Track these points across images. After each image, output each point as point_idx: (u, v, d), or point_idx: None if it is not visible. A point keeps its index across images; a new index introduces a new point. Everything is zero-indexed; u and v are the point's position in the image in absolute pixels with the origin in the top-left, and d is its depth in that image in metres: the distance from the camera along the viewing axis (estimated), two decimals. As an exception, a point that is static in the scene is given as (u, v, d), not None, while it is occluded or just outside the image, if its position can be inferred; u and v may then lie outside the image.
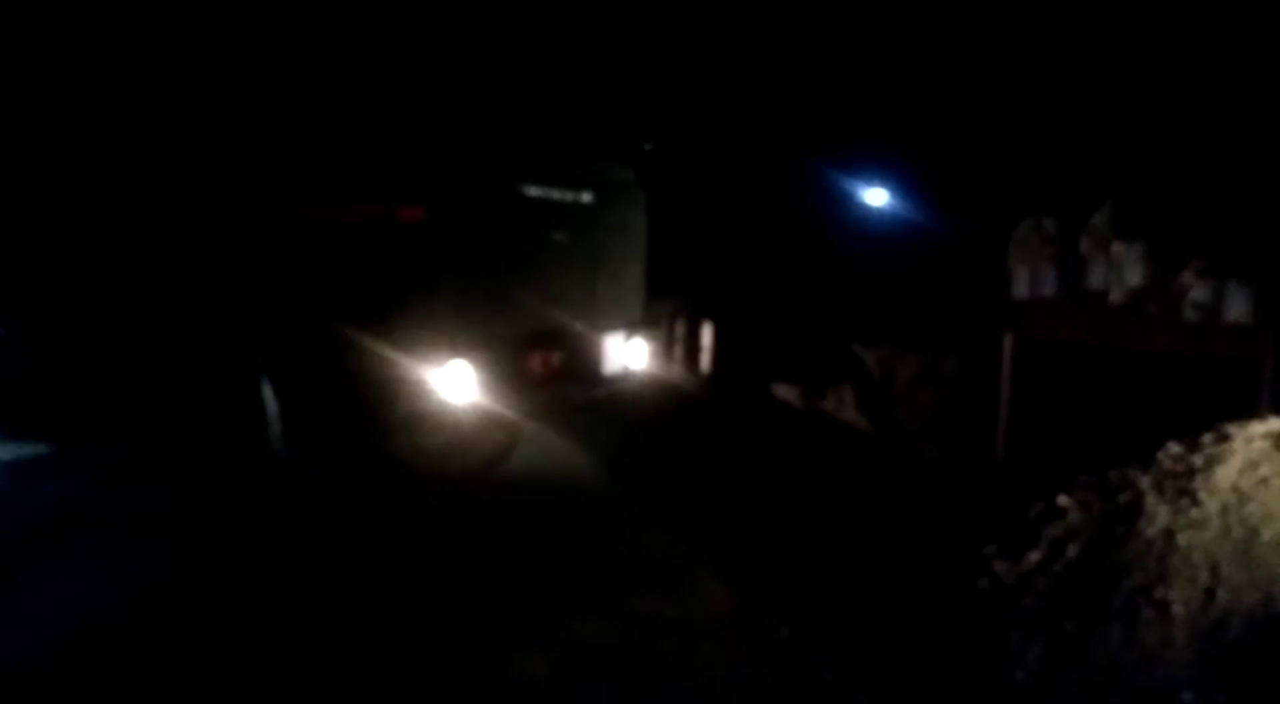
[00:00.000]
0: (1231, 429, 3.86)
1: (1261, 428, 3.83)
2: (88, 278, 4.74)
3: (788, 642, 3.89)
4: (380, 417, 4.16)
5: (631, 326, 5.67)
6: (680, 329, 9.90)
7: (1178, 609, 3.21)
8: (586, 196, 5.08)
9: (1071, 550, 3.65)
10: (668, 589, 4.47)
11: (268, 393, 4.24)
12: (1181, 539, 3.42)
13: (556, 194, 4.87)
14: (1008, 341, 6.90)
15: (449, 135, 4.22)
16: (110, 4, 4.58)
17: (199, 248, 4.51)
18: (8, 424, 5.01)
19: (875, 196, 10.79)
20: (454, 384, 4.17)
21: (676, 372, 9.79)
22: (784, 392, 8.70)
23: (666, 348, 9.90)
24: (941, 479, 6.64)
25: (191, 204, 4.39)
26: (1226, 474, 3.60)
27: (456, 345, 4.19)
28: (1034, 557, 3.72)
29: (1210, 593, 3.22)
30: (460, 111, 4.34)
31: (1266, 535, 3.34)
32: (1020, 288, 6.84)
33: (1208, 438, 3.86)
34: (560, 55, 5.38)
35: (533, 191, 4.70)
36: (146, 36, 4.55)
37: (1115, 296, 6.10)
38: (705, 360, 9.64)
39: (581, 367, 5.25)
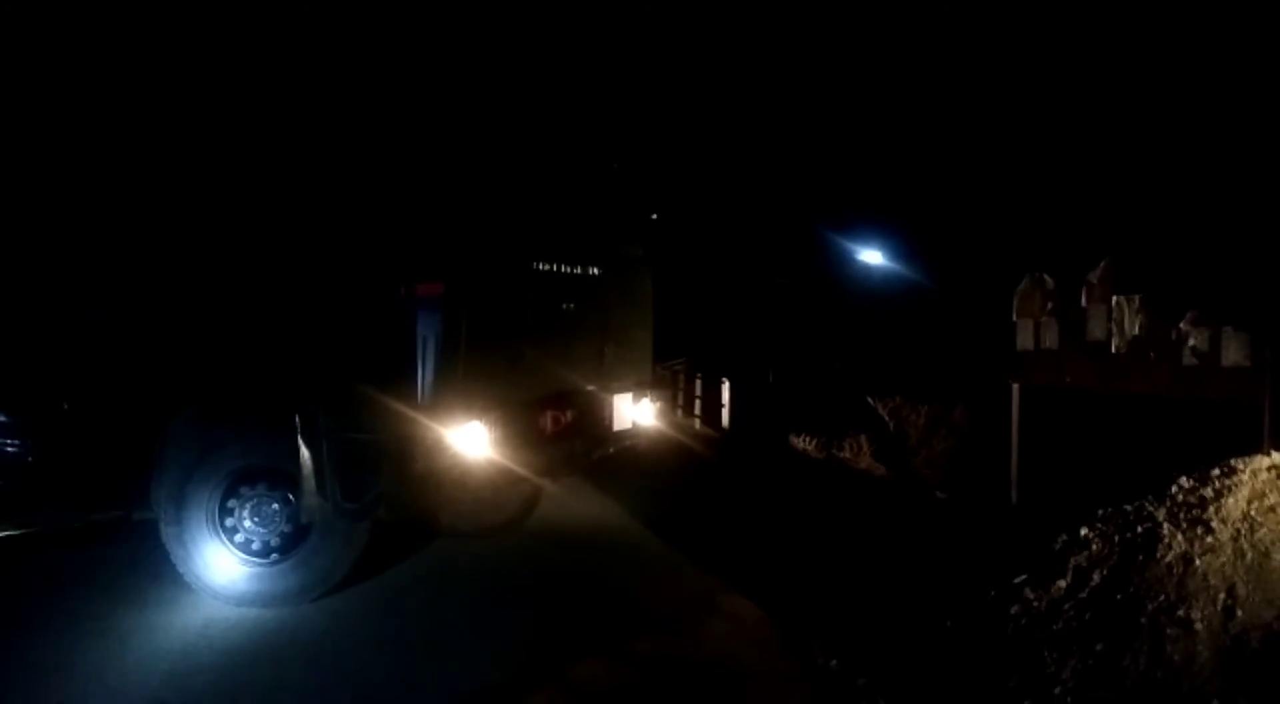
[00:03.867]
0: (1238, 463, 4.19)
1: (1266, 462, 4.16)
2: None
3: (836, 670, 4.15)
4: (405, 473, 4.50)
5: (640, 386, 6.08)
6: (699, 386, 10.28)
7: (1200, 627, 3.48)
8: (595, 270, 5.55)
9: (1096, 577, 3.94)
10: (712, 622, 4.74)
11: (303, 450, 4.58)
12: (1199, 564, 3.71)
13: (566, 269, 5.35)
14: (1015, 391, 7.24)
15: (466, 218, 4.70)
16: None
17: (259, 319, 4.88)
18: None
19: (884, 257, 11.25)
20: (471, 443, 4.54)
21: (694, 426, 10.12)
22: (802, 443, 9.01)
23: (686, 404, 10.27)
24: (959, 522, 6.92)
25: (260, 277, 4.79)
26: (1236, 504, 3.92)
27: (473, 407, 4.57)
28: (1061, 584, 4.01)
29: (1229, 611, 3.51)
30: (476, 196, 4.82)
31: (1277, 558, 3.64)
32: (1025, 339, 7.21)
33: (1216, 471, 4.18)
34: (572, 139, 5.87)
35: (544, 267, 5.19)
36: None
37: (1116, 345, 6.46)
38: (724, 415, 9.99)
39: (592, 424, 5.64)
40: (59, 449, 5.20)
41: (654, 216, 6.59)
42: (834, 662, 4.26)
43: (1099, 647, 3.63)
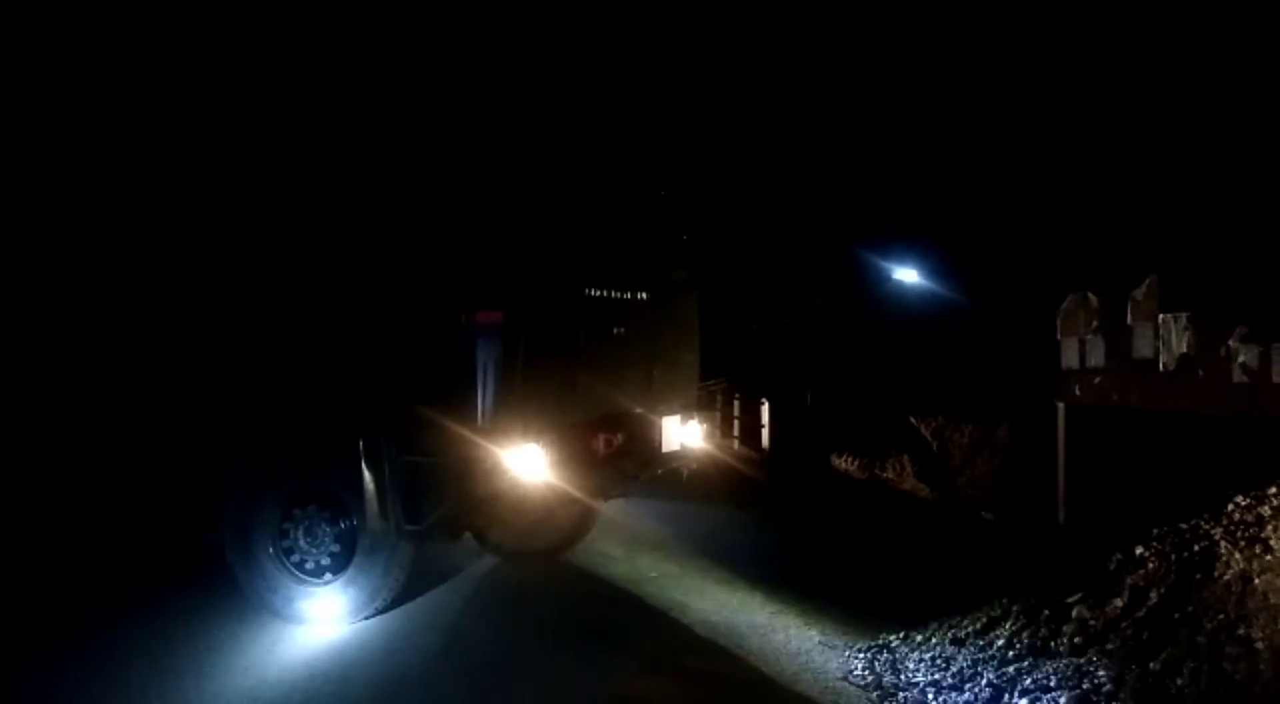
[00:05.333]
0: (1293, 481, 4.19)
1: (1324, 480, 4.16)
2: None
3: (889, 687, 4.19)
4: (465, 495, 4.63)
5: (687, 409, 6.18)
6: (737, 407, 10.35)
7: (1261, 645, 3.49)
8: (643, 294, 5.67)
9: (1153, 596, 3.95)
10: (765, 641, 4.80)
11: (365, 473, 4.73)
12: (1258, 582, 3.72)
13: (616, 294, 5.48)
14: (1061, 410, 7.22)
15: (522, 247, 4.86)
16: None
17: (323, 346, 5.05)
18: None
19: (919, 275, 11.27)
20: (528, 464, 4.66)
21: (733, 447, 10.18)
22: (844, 463, 9.03)
23: (725, 424, 10.34)
24: (1007, 542, 6.90)
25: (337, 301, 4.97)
26: (1294, 522, 3.92)
27: (530, 430, 4.69)
28: (1117, 603, 4.02)
29: (1290, 630, 3.51)
30: (531, 225, 4.98)
31: (1336, 576, 3.64)
32: (1070, 358, 7.20)
33: (1273, 490, 4.18)
34: (618, 165, 6.02)
35: (595, 293, 5.32)
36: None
37: (1164, 363, 6.45)
38: (764, 435, 10.05)
39: (642, 446, 5.74)
40: (129, 476, 5.41)
41: (685, 238, 6.70)
42: (887, 677, 4.30)
43: (1155, 665, 3.64)
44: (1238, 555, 3.85)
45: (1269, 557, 3.77)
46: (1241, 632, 3.56)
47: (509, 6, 5.39)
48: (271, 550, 5.08)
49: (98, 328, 5.50)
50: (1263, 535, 3.87)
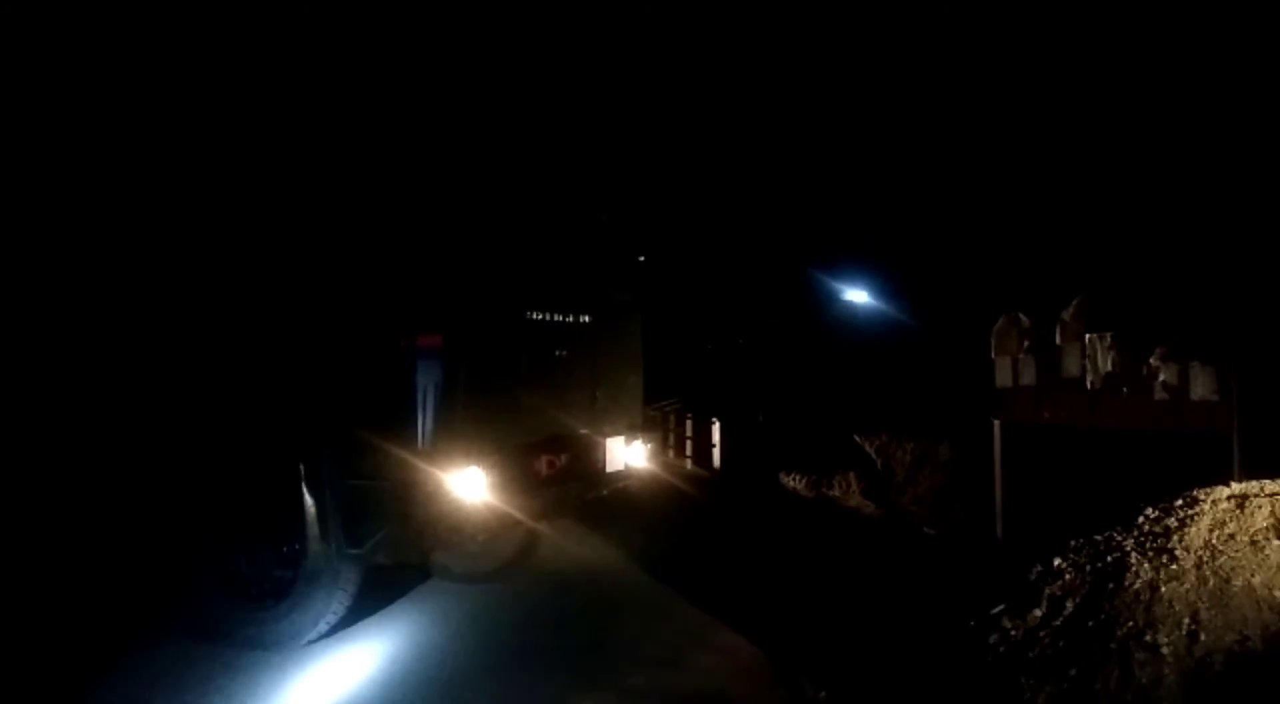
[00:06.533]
0: (1200, 494, 4.40)
1: (1226, 491, 4.37)
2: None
3: (825, 701, 4.30)
4: (406, 518, 4.69)
5: (632, 429, 6.31)
6: (689, 427, 10.49)
7: (1166, 651, 3.66)
8: (585, 317, 5.81)
9: (1069, 606, 4.11)
10: (706, 657, 4.89)
11: (306, 497, 4.77)
12: (1164, 590, 3.90)
13: (558, 317, 5.61)
14: (996, 427, 7.46)
15: (462, 271, 4.97)
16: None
17: (261, 370, 5.08)
18: None
19: (870, 296, 11.52)
20: (469, 487, 4.75)
21: (686, 466, 10.30)
22: (792, 481, 9.18)
23: (678, 444, 10.47)
24: (946, 557, 7.09)
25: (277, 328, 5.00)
26: (1199, 532, 4.12)
27: (471, 453, 4.78)
28: (1037, 613, 4.18)
29: (1193, 635, 3.69)
30: (472, 249, 5.10)
31: (1238, 583, 3.83)
32: (1004, 377, 7.45)
33: (1180, 502, 4.39)
34: (561, 190, 6.15)
35: (537, 316, 5.45)
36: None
37: (1090, 381, 6.71)
38: (715, 455, 10.18)
39: (585, 467, 5.86)
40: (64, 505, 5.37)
41: (641, 259, 6.85)
42: (823, 694, 4.42)
43: (1072, 672, 3.79)
44: (1146, 565, 4.03)
45: (1174, 566, 3.96)
46: (1149, 638, 3.73)
47: (450, 33, 5.50)
48: (215, 574, 5.09)
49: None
50: (1169, 546, 4.07)
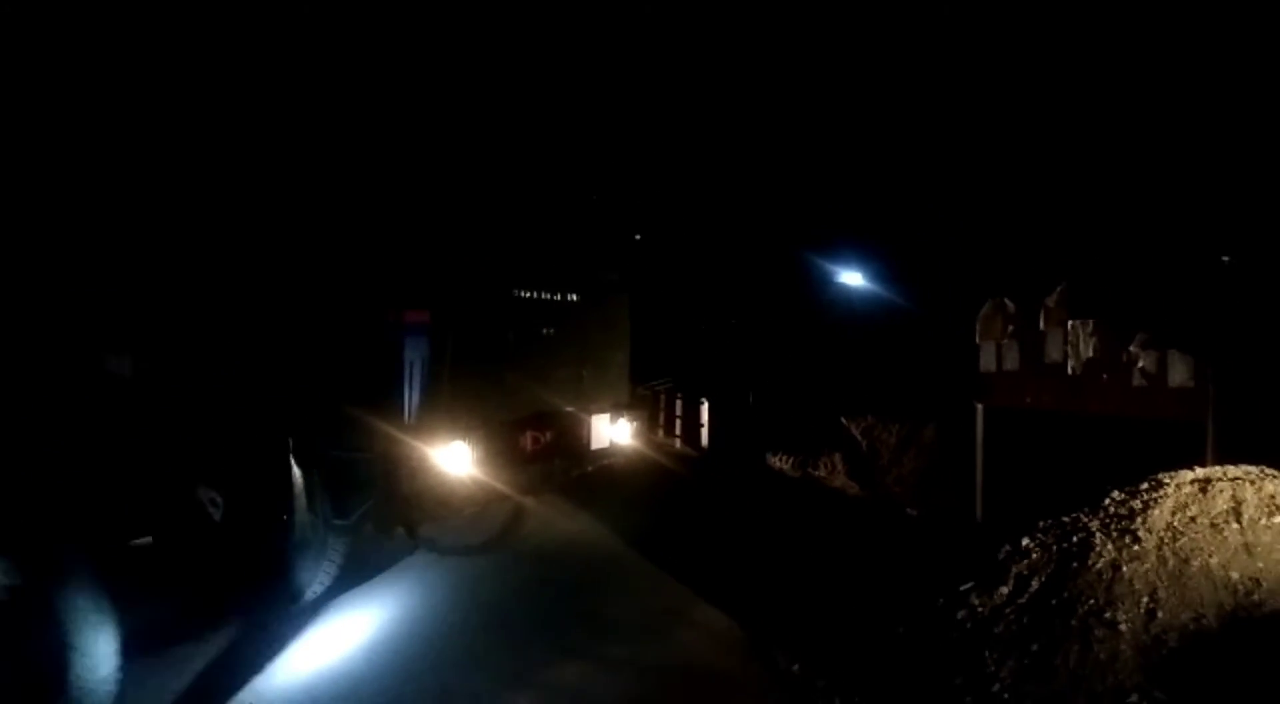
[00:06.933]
0: (1165, 477, 4.52)
1: (1189, 475, 4.49)
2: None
3: (798, 674, 4.44)
4: (393, 491, 4.81)
5: (618, 407, 6.41)
6: (679, 407, 10.60)
7: (1124, 628, 3.79)
8: (573, 296, 5.90)
9: (1035, 584, 4.24)
10: (684, 631, 5.03)
11: (296, 472, 4.88)
12: (1126, 570, 4.03)
13: (546, 295, 5.70)
14: (980, 411, 7.57)
15: (450, 248, 5.05)
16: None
17: (252, 345, 5.17)
18: None
19: (865, 278, 11.61)
20: (455, 461, 4.86)
21: (675, 446, 10.43)
22: (778, 461, 9.31)
23: (667, 424, 10.59)
24: (927, 537, 7.23)
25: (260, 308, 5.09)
26: (1161, 515, 4.23)
27: (457, 427, 4.89)
28: (1004, 590, 4.31)
29: (1151, 613, 3.81)
30: (460, 226, 5.18)
31: (1195, 564, 3.96)
32: (988, 361, 7.56)
33: (1145, 485, 4.51)
34: (552, 167, 6.22)
35: (525, 294, 5.54)
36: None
37: (1072, 367, 6.82)
38: (703, 435, 10.30)
39: (571, 443, 5.97)
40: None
41: (637, 237, 6.92)
42: (796, 666, 4.55)
43: (1035, 647, 3.93)
44: (1110, 546, 4.16)
45: (1137, 547, 4.08)
46: (1108, 615, 3.86)
47: (436, 18, 5.55)
48: (208, 543, 5.19)
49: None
50: (1132, 527, 4.18)
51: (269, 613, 5.09)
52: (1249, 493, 4.23)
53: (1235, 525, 4.04)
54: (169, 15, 5.16)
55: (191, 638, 4.85)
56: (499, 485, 5.19)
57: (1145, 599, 3.88)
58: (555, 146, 6.27)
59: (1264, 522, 4.06)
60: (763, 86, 11.27)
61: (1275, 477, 4.36)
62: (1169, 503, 4.28)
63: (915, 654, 4.35)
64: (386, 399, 4.69)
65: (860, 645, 4.62)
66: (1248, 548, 3.96)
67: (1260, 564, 3.89)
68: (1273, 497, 4.19)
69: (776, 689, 4.38)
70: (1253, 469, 4.47)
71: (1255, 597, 3.76)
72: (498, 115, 5.68)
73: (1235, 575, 3.86)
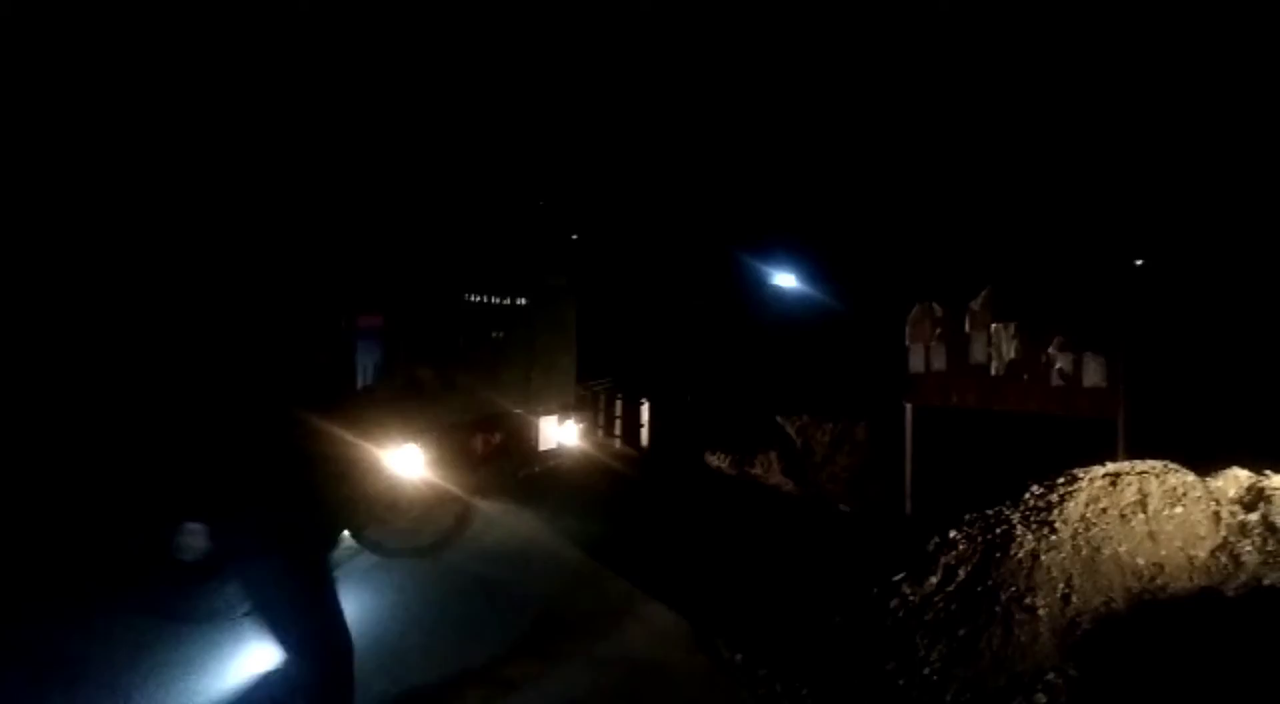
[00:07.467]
0: (1079, 472, 4.85)
1: (1101, 470, 4.83)
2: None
3: (741, 663, 4.64)
4: (345, 493, 4.86)
5: (565, 409, 6.56)
6: (620, 407, 10.76)
7: (1043, 612, 4.09)
8: (521, 300, 6.04)
9: (961, 573, 4.53)
10: (631, 625, 5.19)
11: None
12: (1044, 559, 4.33)
13: (495, 299, 5.83)
14: (909, 410, 7.92)
15: (402, 254, 5.14)
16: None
17: (202, 346, 5.16)
18: None
19: (798, 280, 11.92)
20: (407, 464, 4.94)
21: (615, 445, 10.57)
22: (716, 460, 9.54)
23: (607, 424, 10.74)
24: (859, 532, 7.53)
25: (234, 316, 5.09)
26: (1076, 507, 4.56)
27: (408, 430, 4.98)
28: (933, 580, 4.59)
29: (1066, 599, 4.12)
30: (412, 232, 5.27)
31: (1106, 553, 4.28)
32: (916, 362, 7.91)
33: (1061, 479, 4.84)
34: (499, 174, 6.34)
35: (474, 298, 5.65)
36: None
37: (995, 368, 7.19)
38: (644, 434, 10.48)
39: (520, 445, 6.10)
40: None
41: (575, 238, 7.06)
42: (739, 656, 4.75)
43: (961, 632, 4.20)
44: (1030, 536, 4.46)
45: (1054, 537, 4.39)
46: (1028, 601, 4.15)
47: (390, 20, 5.60)
48: (154, 548, 5.15)
49: None
50: (1050, 519, 4.50)
51: (215, 619, 5.07)
52: (1154, 486, 4.58)
53: (1141, 516, 4.38)
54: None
55: (126, 644, 4.83)
56: (450, 487, 5.28)
57: (1061, 585, 4.18)
58: (503, 153, 6.38)
59: (1166, 512, 4.41)
60: (698, 89, 11.50)
61: (1178, 470, 4.73)
62: (1083, 496, 4.60)
63: (851, 641, 4.59)
64: (338, 403, 4.73)
65: (799, 635, 4.84)
66: (1152, 536, 4.30)
67: (1163, 551, 4.24)
68: (1174, 489, 4.55)
69: (722, 678, 4.57)
70: (1158, 463, 4.82)
71: (1158, 581, 4.10)
72: (447, 124, 5.77)
73: (1141, 562, 4.19)
